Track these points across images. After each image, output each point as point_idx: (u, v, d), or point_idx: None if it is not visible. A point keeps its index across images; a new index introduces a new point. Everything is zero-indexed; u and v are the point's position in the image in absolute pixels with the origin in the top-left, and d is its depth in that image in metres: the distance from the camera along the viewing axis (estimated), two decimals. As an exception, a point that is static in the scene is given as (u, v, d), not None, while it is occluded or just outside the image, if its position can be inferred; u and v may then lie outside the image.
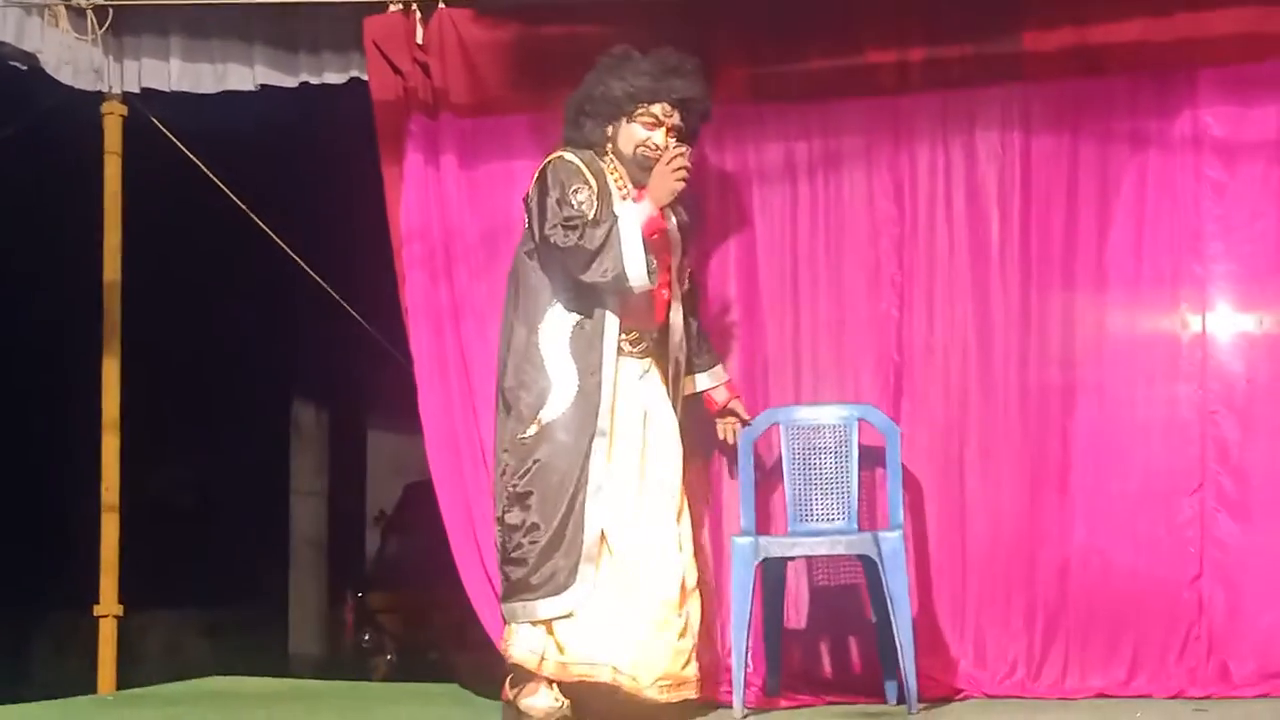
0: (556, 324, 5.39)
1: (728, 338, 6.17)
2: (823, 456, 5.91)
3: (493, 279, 6.25)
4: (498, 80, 6.32)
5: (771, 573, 5.81)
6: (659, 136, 5.47)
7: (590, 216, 5.30)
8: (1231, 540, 5.80)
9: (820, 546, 5.74)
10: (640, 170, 5.46)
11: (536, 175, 5.45)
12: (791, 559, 5.88)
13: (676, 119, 5.49)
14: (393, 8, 6.32)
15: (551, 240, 5.27)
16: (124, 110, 6.79)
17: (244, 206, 6.71)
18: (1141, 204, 5.95)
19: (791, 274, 6.16)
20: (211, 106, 6.83)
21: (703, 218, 6.05)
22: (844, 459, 5.88)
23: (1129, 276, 5.96)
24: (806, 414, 5.96)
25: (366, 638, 9.35)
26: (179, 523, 11.10)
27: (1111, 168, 5.98)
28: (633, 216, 5.29)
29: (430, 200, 6.34)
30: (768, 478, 6.09)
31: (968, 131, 6.08)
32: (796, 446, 5.91)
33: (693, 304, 5.83)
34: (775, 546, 5.68)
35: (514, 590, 5.33)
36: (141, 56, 6.77)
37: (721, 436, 5.96)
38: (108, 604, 6.84)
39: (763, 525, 5.98)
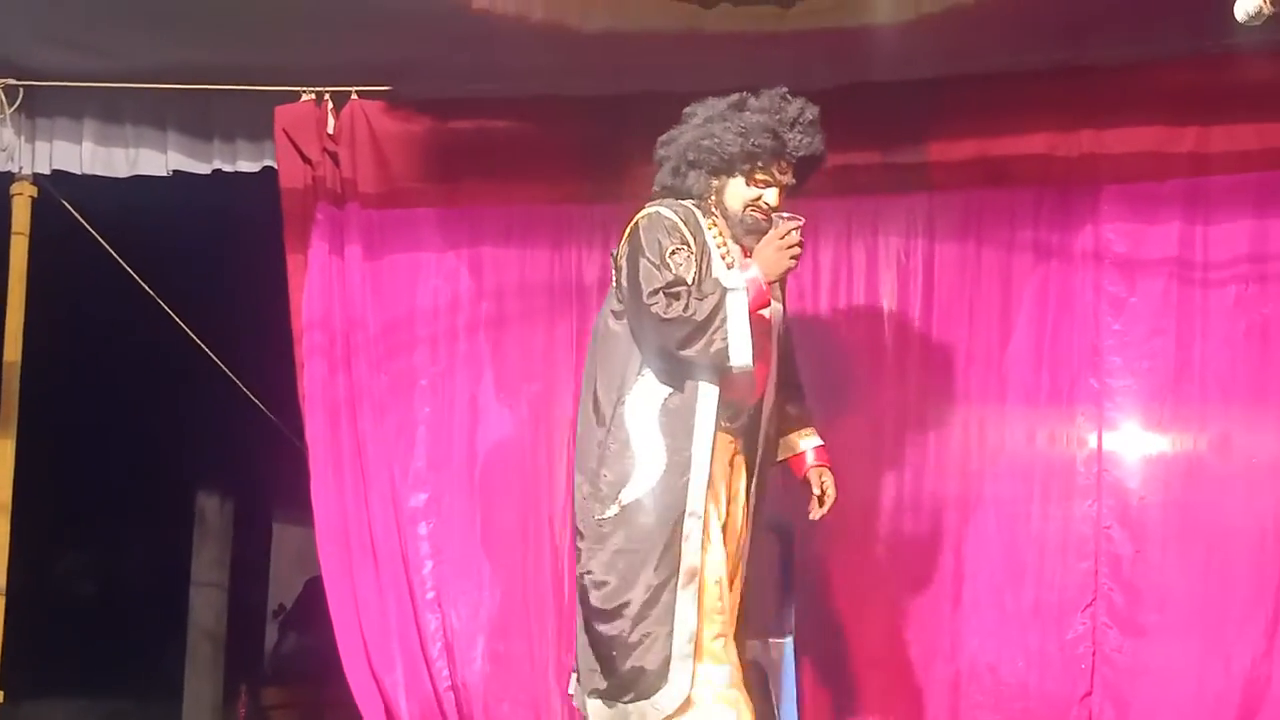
0: (646, 396, 4.76)
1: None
2: (717, 557, 5.85)
3: (393, 370, 6.28)
4: (407, 172, 6.34)
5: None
6: (771, 196, 4.88)
7: (690, 280, 4.75)
8: (1122, 657, 5.77)
9: (710, 650, 5.67)
10: (745, 231, 4.88)
11: (629, 231, 4.87)
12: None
13: (790, 177, 4.93)
14: (305, 97, 6.33)
15: (653, 310, 4.66)
16: (34, 191, 6.71)
17: (151, 292, 6.64)
18: (1042, 316, 5.98)
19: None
20: (124, 190, 6.78)
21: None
22: (738, 561, 5.83)
23: (1028, 388, 5.97)
24: (702, 514, 5.90)
25: (257, 733, 9.28)
26: (75, 610, 10.96)
27: (1014, 279, 6.02)
28: (742, 291, 4.67)
29: (333, 289, 6.34)
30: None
31: (871, 236, 6.13)
32: (691, 546, 5.84)
33: (792, 368, 5.26)
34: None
35: (610, 693, 4.71)
36: (54, 138, 6.70)
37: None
38: (-11, 689, 6.69)
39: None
